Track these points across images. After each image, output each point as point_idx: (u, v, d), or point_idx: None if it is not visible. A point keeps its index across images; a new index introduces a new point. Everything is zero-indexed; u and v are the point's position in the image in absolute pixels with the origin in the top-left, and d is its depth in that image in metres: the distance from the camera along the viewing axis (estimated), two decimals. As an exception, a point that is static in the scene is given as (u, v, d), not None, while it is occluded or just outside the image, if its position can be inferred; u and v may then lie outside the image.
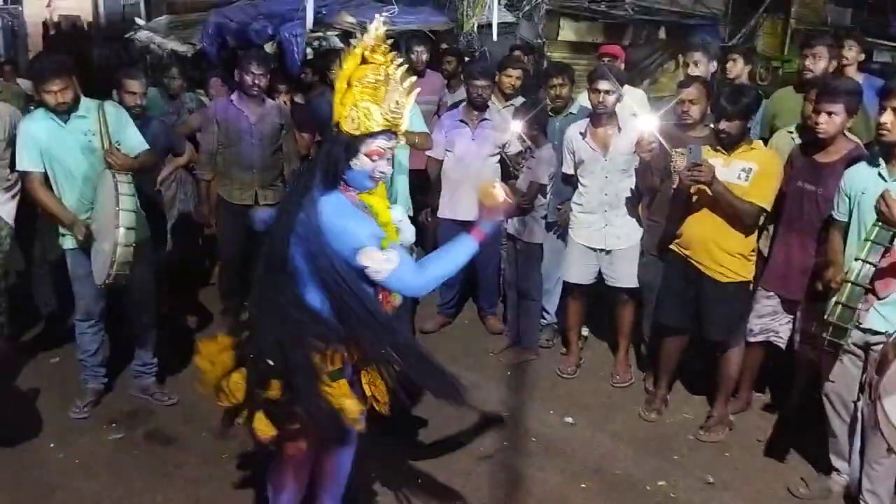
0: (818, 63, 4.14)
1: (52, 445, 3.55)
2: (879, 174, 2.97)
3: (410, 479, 3.26)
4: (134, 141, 3.69)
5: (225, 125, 4.55)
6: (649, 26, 10.30)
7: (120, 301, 3.89)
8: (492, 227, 2.33)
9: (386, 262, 2.15)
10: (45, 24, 14.14)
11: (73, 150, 3.52)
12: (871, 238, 2.74)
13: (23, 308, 4.64)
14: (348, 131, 2.17)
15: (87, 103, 3.62)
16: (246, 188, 4.62)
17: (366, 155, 2.20)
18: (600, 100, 3.99)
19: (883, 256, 2.76)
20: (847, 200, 3.09)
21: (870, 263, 2.72)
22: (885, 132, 2.89)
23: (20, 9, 13.45)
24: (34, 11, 13.51)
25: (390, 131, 2.21)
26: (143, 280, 3.76)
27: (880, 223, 2.76)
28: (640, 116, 4.22)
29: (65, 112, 3.49)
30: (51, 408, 3.85)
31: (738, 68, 4.80)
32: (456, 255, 2.30)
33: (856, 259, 2.77)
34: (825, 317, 2.78)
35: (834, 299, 2.78)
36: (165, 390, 4.05)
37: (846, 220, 3.11)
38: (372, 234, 2.17)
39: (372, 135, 2.18)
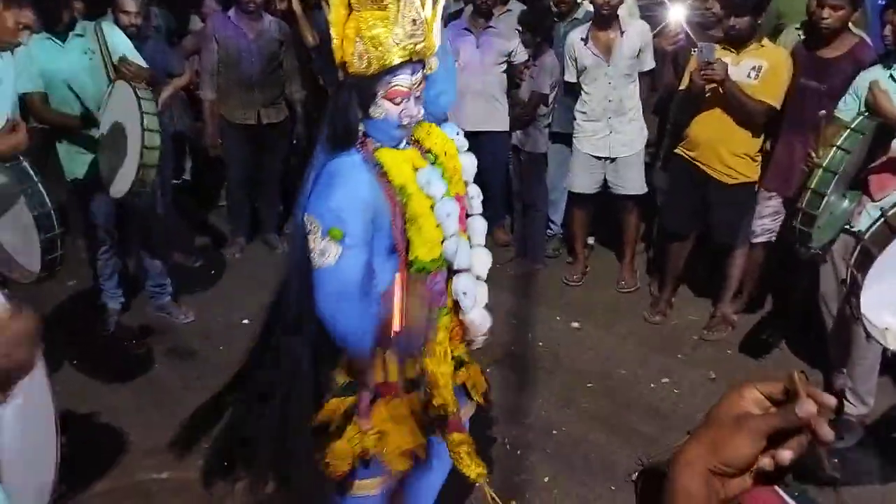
0: None
1: (75, 362, 3.68)
2: (891, 76, 2.89)
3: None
4: (137, 61, 3.66)
5: (224, 43, 4.50)
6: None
7: (130, 222, 3.96)
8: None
9: (321, 252, 1.66)
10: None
11: (75, 70, 3.51)
12: (853, 126, 2.69)
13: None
14: (357, 72, 1.65)
15: (83, 23, 3.59)
16: (248, 107, 4.61)
17: (386, 98, 1.68)
18: (605, 0, 3.90)
19: (881, 155, 2.74)
20: (854, 101, 3.04)
21: (843, 150, 2.66)
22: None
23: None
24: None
25: (414, 61, 1.68)
26: (151, 202, 3.81)
27: (865, 113, 2.72)
28: (642, 21, 4.17)
29: (62, 31, 3.46)
30: (71, 328, 3.97)
31: None
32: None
33: (831, 145, 2.71)
34: (797, 204, 2.77)
35: (806, 184, 2.75)
36: (182, 308, 4.16)
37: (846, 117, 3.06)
38: (337, 212, 1.65)
39: (390, 70, 1.65)
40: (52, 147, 3.73)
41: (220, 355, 3.77)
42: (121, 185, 3.34)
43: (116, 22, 4.06)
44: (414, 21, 1.65)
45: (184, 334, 3.99)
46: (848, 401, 3.15)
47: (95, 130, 3.48)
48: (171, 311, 4.11)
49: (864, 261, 2.20)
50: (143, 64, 3.68)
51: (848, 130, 2.71)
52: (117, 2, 4.15)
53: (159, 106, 4.71)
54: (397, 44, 1.63)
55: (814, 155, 2.92)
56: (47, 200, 2.54)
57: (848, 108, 3.06)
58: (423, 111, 1.77)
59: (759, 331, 3.93)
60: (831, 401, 0.69)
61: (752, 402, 0.74)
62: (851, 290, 2.25)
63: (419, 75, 1.70)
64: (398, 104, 1.69)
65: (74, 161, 3.65)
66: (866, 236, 2.25)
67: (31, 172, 2.55)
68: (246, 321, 4.12)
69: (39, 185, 2.56)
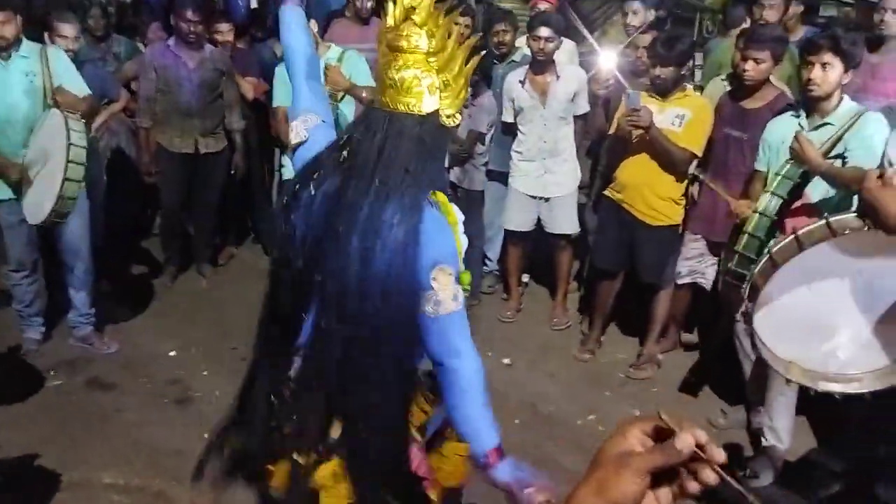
0: (771, 13, 4.11)
1: (-10, 392, 3.55)
2: (800, 125, 3.05)
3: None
4: (77, 86, 3.62)
5: (163, 71, 4.47)
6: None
7: (56, 251, 3.87)
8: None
9: (454, 297, 1.61)
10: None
11: (13, 91, 3.46)
12: (782, 173, 2.84)
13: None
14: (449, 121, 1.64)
15: (29, 45, 3.56)
16: (186, 135, 4.57)
17: None
18: (541, 46, 4.02)
19: (793, 199, 2.88)
20: (767, 151, 3.20)
21: (778, 196, 2.80)
22: (813, 87, 2.92)
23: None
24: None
25: None
26: (78, 230, 3.73)
27: (790, 160, 2.87)
28: (577, 67, 4.31)
29: (4, 50, 3.41)
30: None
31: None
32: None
33: (765, 191, 2.86)
34: (733, 247, 2.88)
35: (743, 229, 2.88)
36: (105, 339, 4.05)
37: (766, 170, 3.20)
38: (457, 256, 1.65)
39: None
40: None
41: (140, 387, 3.69)
42: (38, 212, 3.29)
43: (52, 44, 4.02)
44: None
45: (106, 365, 3.88)
46: (765, 437, 3.24)
47: (21, 154, 3.41)
48: (94, 342, 3.99)
49: (769, 270, 2.26)
50: (85, 91, 3.64)
51: (779, 177, 2.86)
52: (54, 26, 4.12)
53: (93, 130, 4.70)
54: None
55: (734, 204, 3.08)
56: None
57: (762, 162, 3.21)
58: None
59: (684, 369, 4.03)
60: (703, 437, 0.70)
61: (634, 440, 0.75)
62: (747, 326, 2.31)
63: None
64: None
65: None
66: (775, 248, 2.30)
67: None
68: (173, 353, 4.05)
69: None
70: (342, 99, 3.92)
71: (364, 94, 3.77)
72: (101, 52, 5.02)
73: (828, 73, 2.89)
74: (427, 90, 1.58)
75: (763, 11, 4.04)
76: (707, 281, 3.92)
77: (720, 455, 0.69)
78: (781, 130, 3.15)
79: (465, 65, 1.63)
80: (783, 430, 3.17)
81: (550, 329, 4.50)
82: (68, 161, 3.18)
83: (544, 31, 3.98)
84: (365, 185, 1.57)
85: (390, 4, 1.62)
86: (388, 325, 1.57)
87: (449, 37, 1.60)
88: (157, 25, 5.62)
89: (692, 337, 4.30)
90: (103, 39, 5.07)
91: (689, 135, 3.63)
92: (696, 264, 3.90)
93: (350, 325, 1.57)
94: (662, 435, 0.73)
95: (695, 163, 3.76)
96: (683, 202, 3.86)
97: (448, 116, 1.62)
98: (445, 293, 1.59)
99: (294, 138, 1.75)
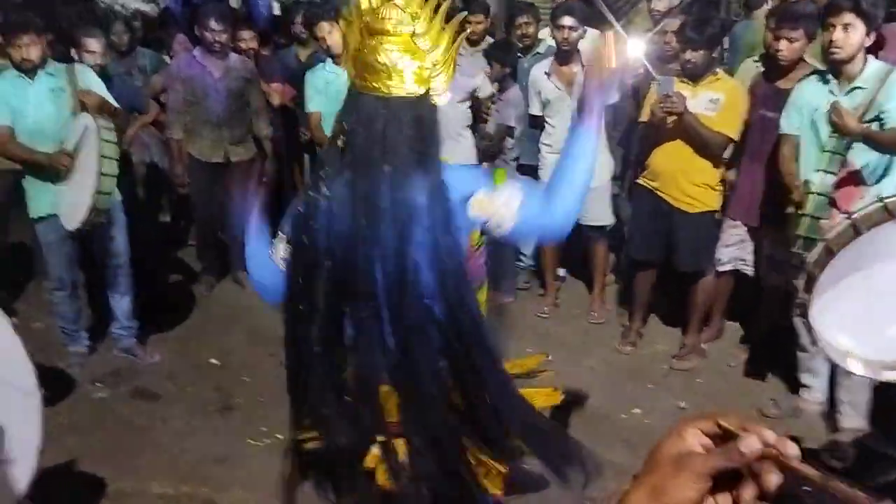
0: None
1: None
2: (830, 91, 3.01)
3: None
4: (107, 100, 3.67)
5: (189, 82, 4.50)
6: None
7: (96, 265, 3.93)
8: (601, 106, 1.76)
9: (504, 205, 1.62)
10: (5, -11, 13.77)
11: (42, 106, 3.51)
12: (829, 148, 2.80)
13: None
14: None
15: (55, 64, 3.62)
16: (216, 145, 4.60)
17: None
18: (564, 36, 3.98)
19: (840, 168, 2.82)
20: (799, 115, 3.13)
21: (830, 173, 2.78)
22: (836, 49, 2.91)
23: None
24: (-7, -23, 13.15)
25: None
26: (115, 243, 3.78)
27: (835, 134, 2.81)
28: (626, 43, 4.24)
29: (32, 70, 3.47)
30: (38, 371, 3.88)
31: None
32: (581, 155, 1.72)
33: (817, 170, 2.83)
34: (795, 232, 2.82)
35: (800, 212, 2.83)
36: (148, 350, 4.10)
37: (798, 132, 3.15)
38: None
39: None
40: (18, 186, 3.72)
41: (184, 396, 3.72)
42: (76, 216, 3.32)
43: (80, 61, 4.08)
44: None
45: (150, 375, 3.93)
46: (842, 414, 3.17)
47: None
48: (137, 353, 4.04)
49: (824, 260, 2.21)
50: (112, 102, 3.68)
51: (828, 153, 2.85)
52: (80, 42, 4.18)
53: (125, 143, 4.76)
54: None
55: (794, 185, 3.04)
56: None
57: (793, 123, 3.14)
58: None
59: (730, 358, 3.95)
60: (771, 436, 0.65)
61: (693, 441, 0.69)
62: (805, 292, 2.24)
63: None
64: None
65: (39, 198, 3.61)
66: (829, 235, 2.25)
67: None
68: (214, 360, 4.08)
69: None
70: None
71: None
72: (127, 66, 5.08)
73: (850, 34, 2.87)
74: (417, 71, 1.57)
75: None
76: (749, 267, 3.83)
77: (793, 449, 0.64)
78: (810, 95, 3.11)
79: (453, 43, 1.61)
80: (862, 402, 3.10)
81: (589, 323, 4.44)
82: (101, 156, 3.21)
83: (568, 21, 3.93)
84: (377, 175, 1.56)
85: None
86: (458, 302, 1.55)
87: (435, 15, 1.59)
88: (182, 37, 5.69)
89: (736, 325, 4.21)
90: (128, 53, 5.14)
91: (724, 118, 3.55)
92: (737, 251, 3.82)
93: (412, 312, 1.55)
94: (723, 436, 0.68)
95: (730, 146, 3.69)
96: (721, 188, 3.78)
97: (438, 95, 1.61)
98: (495, 209, 1.61)
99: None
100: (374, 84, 1.57)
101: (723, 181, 3.80)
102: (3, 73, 3.58)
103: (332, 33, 4.12)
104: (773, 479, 0.63)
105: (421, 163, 1.58)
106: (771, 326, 3.73)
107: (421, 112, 1.60)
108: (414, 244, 1.53)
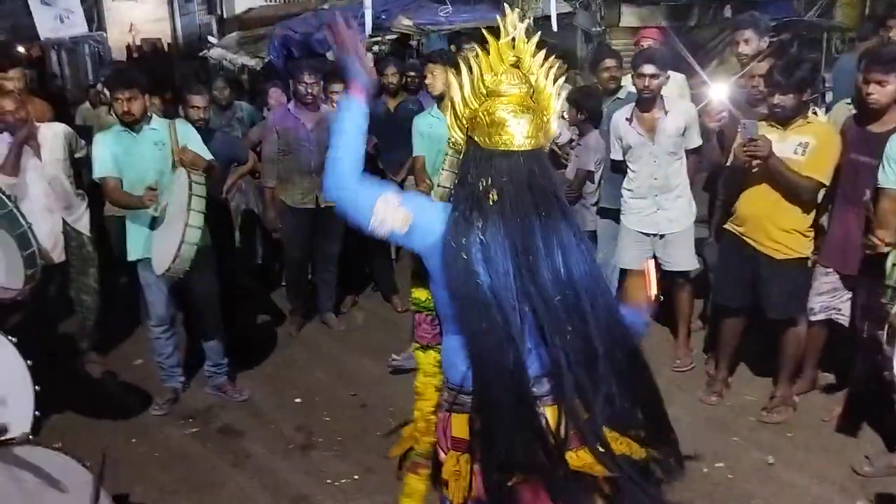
0: None
1: (133, 441, 3.82)
2: None
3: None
4: (201, 153, 3.92)
5: (284, 133, 4.76)
6: (714, 5, 10.06)
7: (190, 305, 4.17)
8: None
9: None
10: (128, 47, 14.95)
11: (145, 158, 3.79)
12: None
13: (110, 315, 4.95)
14: None
15: (158, 120, 3.91)
16: (307, 192, 4.81)
17: None
18: (645, 84, 3.97)
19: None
20: (893, 167, 3.00)
21: None
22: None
23: (105, 35, 14.26)
24: (118, 37, 14.32)
25: None
26: (208, 285, 4.00)
27: None
28: (687, 101, 4.21)
29: (135, 123, 3.75)
30: (133, 407, 4.13)
31: None
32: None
33: None
34: (885, 282, 2.69)
35: (889, 261, 2.70)
36: (237, 387, 4.28)
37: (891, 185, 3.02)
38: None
39: None
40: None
41: (268, 433, 3.86)
42: (163, 261, 3.54)
43: (186, 116, 4.40)
44: None
45: (238, 412, 4.09)
46: None
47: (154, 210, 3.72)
48: (227, 391, 4.23)
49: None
50: (207, 155, 3.94)
51: None
52: (187, 98, 4.52)
53: (224, 192, 5.05)
54: None
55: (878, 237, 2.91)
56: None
57: (891, 178, 3.01)
58: None
59: (823, 412, 3.75)
60: None
61: None
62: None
63: None
64: None
65: (137, 241, 3.86)
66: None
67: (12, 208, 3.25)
68: (298, 400, 4.22)
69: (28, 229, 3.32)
70: None
71: None
72: (227, 119, 5.42)
73: None
74: (538, 124, 1.73)
75: (891, 32, 3.81)
76: (843, 317, 3.65)
77: None
78: None
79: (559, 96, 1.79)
80: None
81: (673, 371, 4.32)
82: (189, 209, 3.43)
83: (648, 69, 3.92)
84: (532, 221, 1.70)
85: (482, 54, 1.74)
86: (610, 322, 1.76)
87: (547, 76, 1.76)
88: (275, 90, 6.01)
89: (830, 377, 4.00)
90: (228, 107, 5.47)
91: (814, 163, 3.44)
92: (830, 299, 3.65)
93: (590, 337, 1.71)
94: None
95: (822, 191, 3.56)
96: (812, 234, 3.65)
97: (557, 139, 1.78)
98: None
99: (396, 223, 1.77)
100: (504, 139, 1.71)
101: (815, 227, 3.67)
102: (111, 127, 3.89)
103: (436, 76, 4.27)
104: None
105: (563, 206, 1.76)
106: (867, 379, 3.51)
107: (546, 161, 1.81)
108: (578, 278, 1.71)
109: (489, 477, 1.73)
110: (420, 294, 2.05)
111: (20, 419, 2.70)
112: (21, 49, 6.92)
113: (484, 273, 1.69)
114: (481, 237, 1.70)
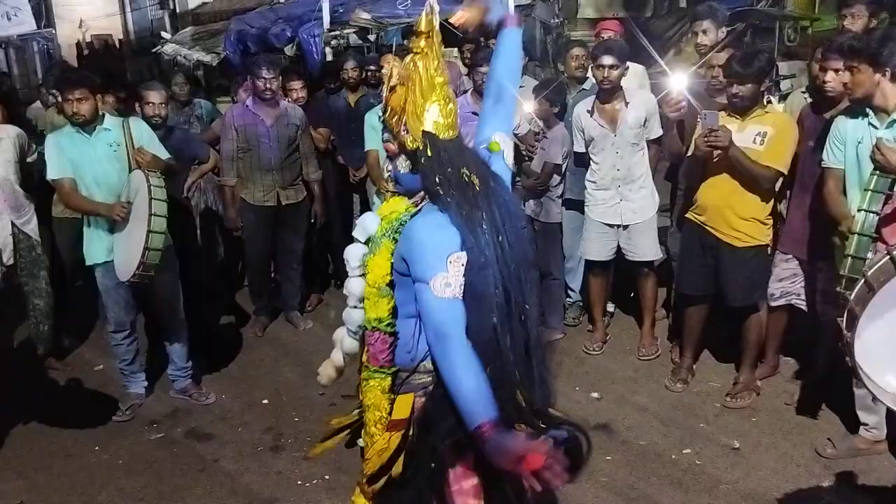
0: (856, 22, 3.99)
1: (96, 448, 3.73)
2: (870, 123, 2.97)
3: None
4: (157, 152, 3.84)
5: (243, 130, 4.68)
6: (670, -5, 10.18)
7: (151, 308, 4.08)
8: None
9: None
10: (78, 44, 14.57)
11: (100, 160, 3.69)
12: (871, 187, 2.74)
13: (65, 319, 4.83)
14: None
15: (111, 119, 3.80)
16: (268, 190, 4.74)
17: None
18: (605, 75, 3.99)
19: (885, 203, 2.74)
20: (841, 148, 3.08)
21: (873, 213, 2.70)
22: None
23: (53, 32, 13.89)
24: (67, 33, 13.95)
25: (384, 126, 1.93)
26: (170, 287, 3.92)
27: (878, 172, 2.74)
28: (647, 92, 4.24)
29: (87, 124, 3.65)
30: (96, 413, 4.03)
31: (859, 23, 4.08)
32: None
33: (859, 210, 2.75)
34: (838, 272, 2.75)
35: (844, 251, 2.76)
36: (203, 390, 4.21)
37: (842, 166, 3.11)
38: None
39: None
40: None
41: (236, 435, 3.80)
42: (128, 268, 3.46)
43: (143, 113, 4.30)
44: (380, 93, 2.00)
45: (204, 416, 4.02)
46: None
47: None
48: (192, 394, 4.15)
49: (865, 296, 2.14)
50: (163, 153, 3.85)
51: (870, 193, 2.78)
52: (143, 95, 4.41)
53: (185, 190, 4.95)
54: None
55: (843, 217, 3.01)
56: None
57: (836, 158, 3.09)
58: (393, 176, 1.95)
59: (785, 396, 3.82)
60: None
61: None
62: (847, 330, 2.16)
63: (385, 136, 1.93)
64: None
65: (96, 245, 3.78)
66: (869, 272, 2.18)
67: None
68: (265, 401, 4.16)
69: None
70: None
71: None
72: (186, 116, 5.31)
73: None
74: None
75: (845, 21, 3.89)
76: (802, 302, 3.73)
77: None
78: (854, 129, 3.07)
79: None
80: None
81: (639, 359, 4.36)
82: (151, 214, 3.35)
83: (607, 60, 3.95)
84: (503, 199, 1.86)
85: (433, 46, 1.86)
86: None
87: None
88: (245, 85, 5.90)
89: (792, 361, 4.08)
90: (187, 104, 5.36)
91: (772, 152, 3.50)
92: (790, 285, 3.73)
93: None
94: None
95: (781, 180, 3.62)
96: (771, 221, 3.71)
97: None
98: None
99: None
100: (453, 133, 1.88)
101: (773, 215, 3.73)
102: (63, 129, 3.78)
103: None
104: None
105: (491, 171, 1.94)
106: (827, 362, 3.60)
107: None
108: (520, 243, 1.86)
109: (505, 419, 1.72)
110: (380, 312, 1.93)
111: None
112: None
113: (492, 255, 1.78)
114: (484, 226, 1.78)
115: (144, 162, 3.62)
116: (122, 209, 3.57)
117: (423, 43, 1.83)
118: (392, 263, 1.88)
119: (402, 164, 1.91)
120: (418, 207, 1.89)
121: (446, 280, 1.73)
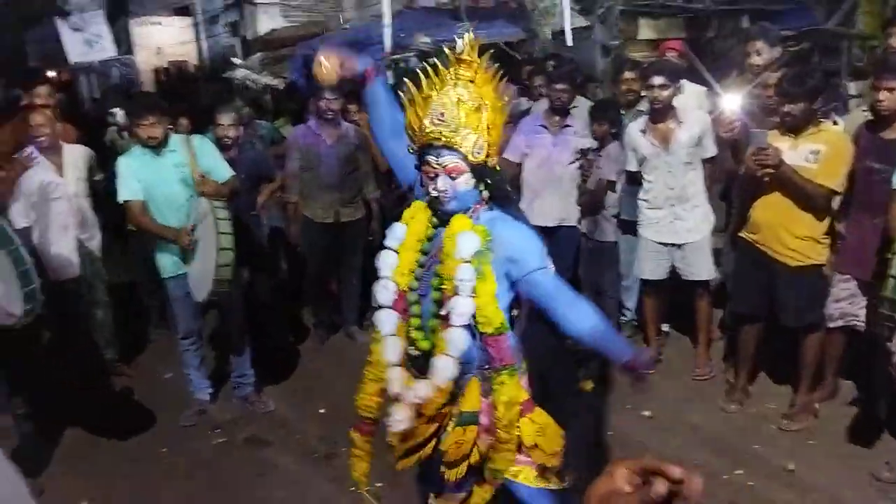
0: None
1: (162, 450, 3.92)
2: None
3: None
4: (221, 169, 4.03)
5: (305, 149, 4.87)
6: (732, 16, 10.08)
7: (219, 319, 4.28)
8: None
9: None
10: (156, 70, 15.26)
11: (168, 181, 3.89)
12: None
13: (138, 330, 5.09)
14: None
15: (176, 138, 4.01)
16: (328, 207, 4.92)
17: (421, 171, 2.13)
18: (655, 95, 4.03)
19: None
20: None
21: None
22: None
23: (133, 58, 14.61)
24: (145, 59, 14.64)
25: (445, 147, 2.05)
26: (235, 299, 4.11)
27: None
28: (701, 111, 4.25)
29: (156, 147, 3.87)
30: (163, 418, 4.24)
31: None
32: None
33: None
34: (881, 293, 2.72)
35: (889, 272, 2.73)
36: (264, 398, 4.37)
37: None
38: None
39: (422, 150, 2.10)
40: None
41: (294, 443, 3.93)
42: (204, 288, 3.68)
43: (215, 134, 4.52)
44: (441, 114, 2.03)
45: (264, 423, 4.18)
46: None
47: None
48: (253, 402, 4.32)
49: None
50: (228, 173, 4.04)
51: None
52: (214, 117, 4.64)
53: (257, 207, 5.15)
54: (423, 130, 2.06)
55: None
56: (26, 259, 3.19)
57: None
58: (454, 194, 2.08)
59: (845, 419, 3.74)
60: (678, 472, 0.76)
61: (621, 480, 0.78)
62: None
63: (447, 158, 2.05)
64: (427, 179, 2.10)
65: (168, 260, 3.99)
66: None
67: (10, 234, 3.19)
68: (322, 410, 4.29)
69: (19, 246, 3.17)
70: None
71: None
72: (248, 137, 5.54)
73: None
74: None
75: (891, 39, 3.85)
76: (862, 323, 3.66)
77: (697, 486, 0.74)
78: None
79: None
80: None
81: (693, 380, 4.34)
82: (218, 233, 3.55)
83: (657, 80, 3.98)
84: None
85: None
86: None
87: None
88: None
89: (851, 384, 3.99)
90: (247, 125, 5.61)
91: (825, 170, 3.47)
92: (848, 306, 3.66)
93: None
94: (651, 474, 0.77)
95: (838, 198, 3.59)
96: (827, 241, 3.66)
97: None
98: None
99: None
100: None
101: (831, 234, 3.69)
102: (132, 150, 4.01)
103: None
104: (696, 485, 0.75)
105: None
106: (884, 386, 3.52)
107: None
108: None
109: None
110: (500, 317, 2.12)
111: None
112: (51, 73, 7.11)
113: None
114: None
115: (206, 192, 3.80)
116: (188, 238, 3.76)
117: (467, 71, 2.04)
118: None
119: (466, 182, 2.09)
120: (475, 215, 2.14)
121: (549, 262, 2.13)
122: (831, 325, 3.74)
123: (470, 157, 2.06)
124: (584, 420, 2.32)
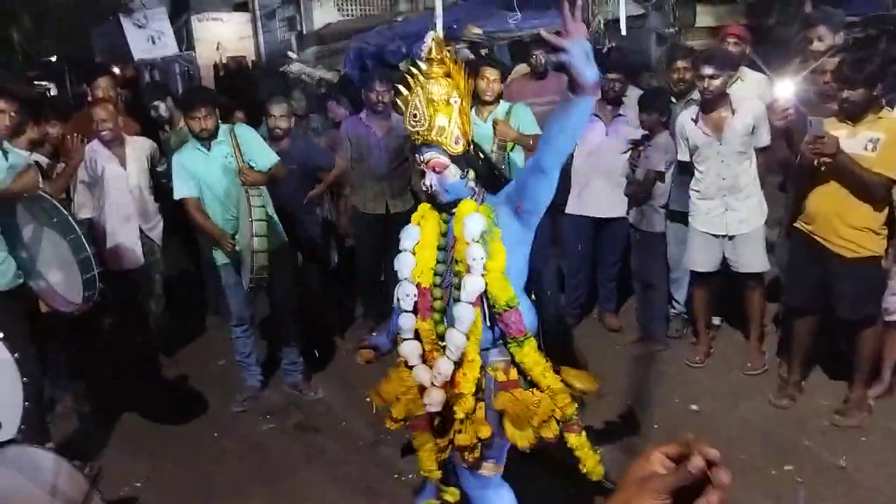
0: None
1: (214, 434, 4.06)
2: None
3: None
4: (264, 156, 4.12)
5: (356, 141, 4.93)
6: (794, 0, 9.75)
7: (270, 308, 4.39)
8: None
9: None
10: (215, 65, 15.61)
11: (217, 173, 4.01)
12: None
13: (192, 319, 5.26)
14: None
15: (223, 129, 4.11)
16: (377, 198, 4.97)
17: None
18: (705, 85, 3.94)
19: None
20: None
21: None
22: None
23: (193, 54, 14.97)
24: (206, 55, 14.95)
25: (425, 144, 2.14)
26: (286, 289, 4.20)
27: None
28: (755, 99, 4.15)
29: (207, 139, 3.98)
30: (215, 404, 4.38)
31: None
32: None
33: None
34: None
35: None
36: (313, 385, 4.46)
37: None
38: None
39: (415, 148, 2.19)
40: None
41: (342, 429, 4.02)
42: (245, 276, 3.79)
43: (267, 125, 4.62)
44: (414, 115, 2.12)
45: (313, 410, 4.28)
46: None
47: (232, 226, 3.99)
48: (303, 389, 4.42)
49: None
50: (273, 159, 4.12)
51: None
52: (266, 108, 4.74)
53: (314, 197, 5.23)
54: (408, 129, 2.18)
55: None
56: (87, 247, 3.23)
57: None
58: (441, 187, 2.16)
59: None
60: (714, 453, 0.77)
61: (656, 463, 0.80)
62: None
63: (429, 155, 2.13)
64: (423, 174, 2.19)
65: (216, 250, 4.13)
66: None
67: (71, 223, 3.24)
68: (369, 399, 4.35)
69: (81, 235, 3.23)
70: (512, 149, 4.16)
71: (531, 142, 4.13)
72: (303, 129, 5.64)
73: None
74: None
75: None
76: (921, 317, 3.54)
77: (725, 476, 0.75)
78: None
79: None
80: None
81: (744, 374, 4.25)
82: (253, 236, 3.63)
83: (707, 70, 3.90)
84: None
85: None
86: None
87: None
88: (332, 104, 6.21)
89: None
90: (303, 118, 5.70)
91: (885, 159, 3.36)
92: (906, 299, 3.55)
93: None
94: (685, 458, 0.78)
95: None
96: (885, 231, 3.54)
97: None
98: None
99: None
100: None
101: (889, 224, 3.56)
102: (185, 145, 4.12)
103: (490, 80, 4.35)
104: (724, 476, 0.76)
105: None
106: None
107: None
108: None
109: None
110: (509, 292, 2.17)
111: (9, 417, 2.53)
112: (115, 69, 7.34)
113: None
114: None
115: (247, 181, 3.89)
116: (231, 244, 3.92)
117: (436, 68, 2.11)
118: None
119: (453, 174, 2.15)
120: (482, 202, 2.20)
121: None
122: (888, 318, 3.63)
123: (450, 150, 2.14)
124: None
